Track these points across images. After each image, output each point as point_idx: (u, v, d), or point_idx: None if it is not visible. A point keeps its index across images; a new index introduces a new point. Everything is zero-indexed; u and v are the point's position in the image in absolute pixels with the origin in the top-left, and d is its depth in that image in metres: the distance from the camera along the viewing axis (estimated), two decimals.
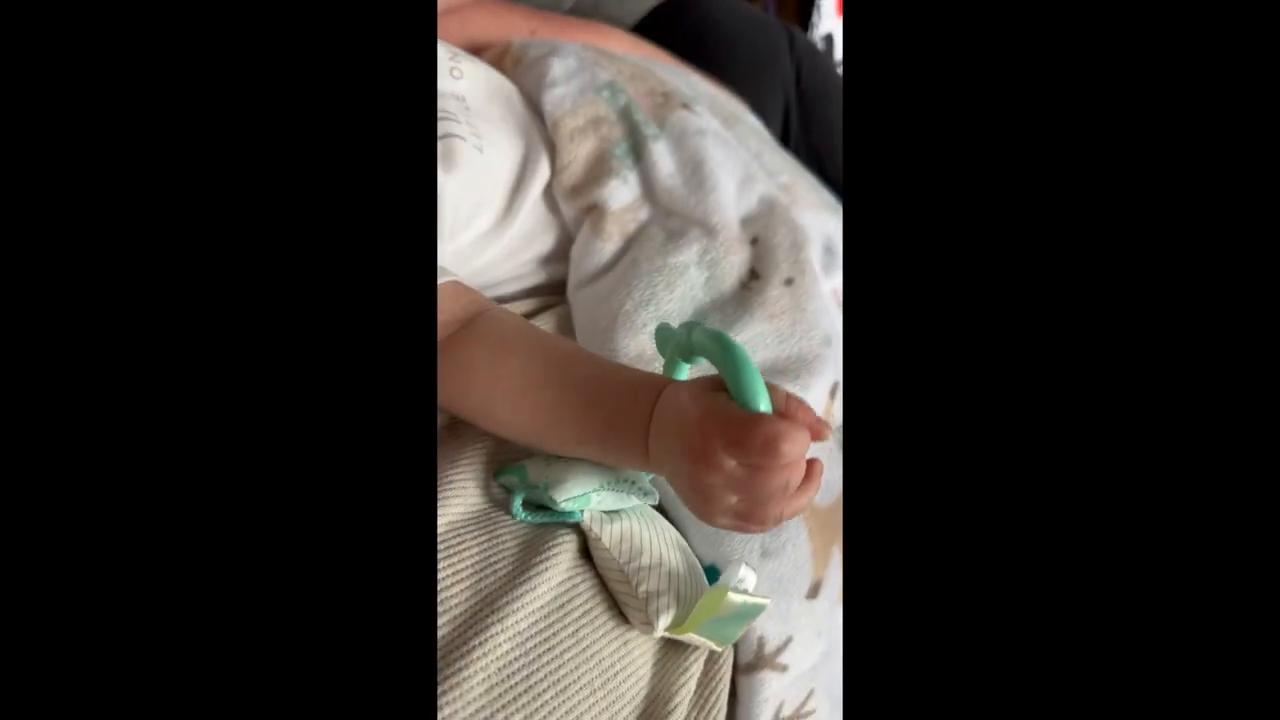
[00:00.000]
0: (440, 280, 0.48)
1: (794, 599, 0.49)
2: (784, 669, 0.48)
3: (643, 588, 0.42)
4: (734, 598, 0.40)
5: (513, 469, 0.46)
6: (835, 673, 0.52)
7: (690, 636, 0.42)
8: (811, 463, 0.37)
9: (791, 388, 0.54)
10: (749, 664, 0.48)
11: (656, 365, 0.53)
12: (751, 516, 0.37)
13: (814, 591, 0.50)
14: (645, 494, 0.47)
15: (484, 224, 0.57)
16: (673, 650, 0.45)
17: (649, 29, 0.88)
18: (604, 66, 0.68)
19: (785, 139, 0.83)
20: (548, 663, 0.39)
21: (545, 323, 0.59)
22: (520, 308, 0.60)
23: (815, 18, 1.29)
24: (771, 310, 0.58)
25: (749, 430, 0.35)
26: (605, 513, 0.45)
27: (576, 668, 0.39)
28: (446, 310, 0.47)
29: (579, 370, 0.45)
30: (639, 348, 0.54)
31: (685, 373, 0.46)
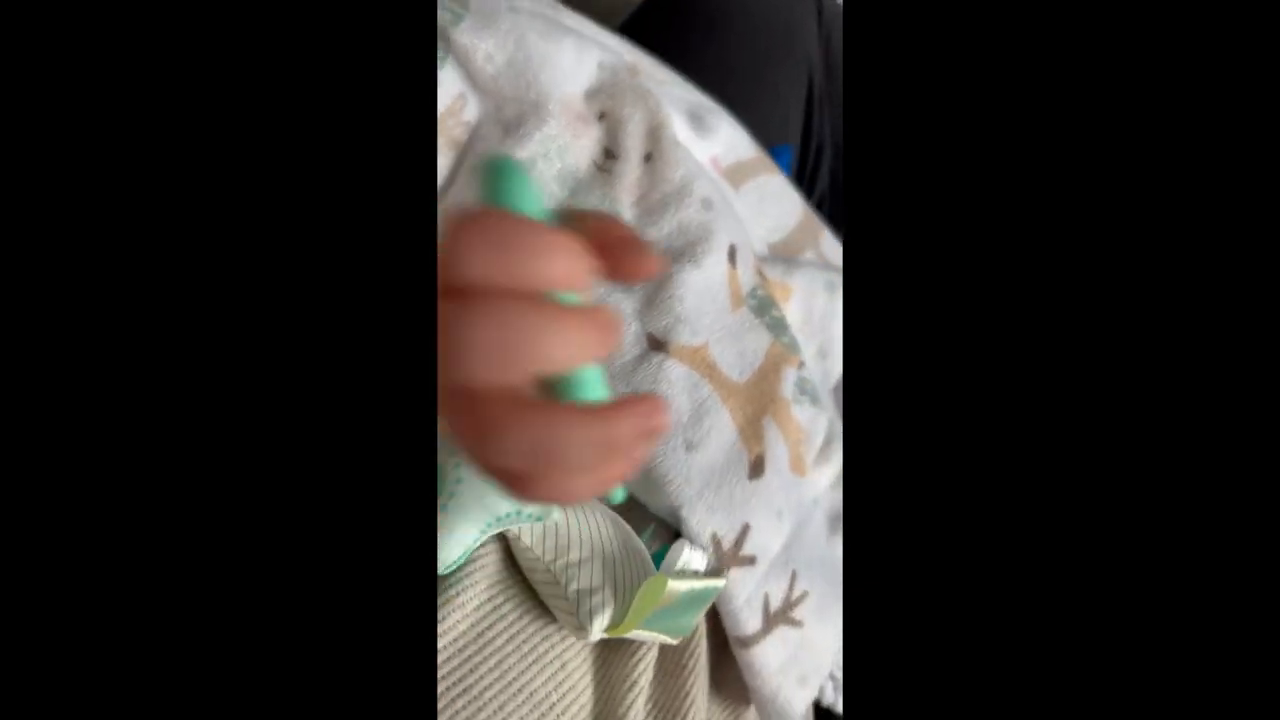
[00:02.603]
0: None
1: (735, 485, 0.46)
2: (752, 561, 0.45)
3: (573, 586, 0.37)
4: (676, 585, 0.36)
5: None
6: (815, 547, 0.49)
7: (637, 633, 0.37)
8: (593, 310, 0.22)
9: (682, 268, 0.49)
10: (711, 570, 0.44)
11: None
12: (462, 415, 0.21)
13: (756, 470, 0.47)
14: (534, 518, 0.38)
15: None
16: (615, 657, 0.40)
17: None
18: None
19: (809, 114, 0.75)
20: (464, 706, 0.33)
21: None
22: None
23: None
24: (637, 190, 0.52)
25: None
26: None
27: (502, 707, 0.34)
28: None
29: None
30: None
31: None
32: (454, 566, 0.36)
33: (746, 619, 0.44)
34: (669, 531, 0.46)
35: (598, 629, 0.36)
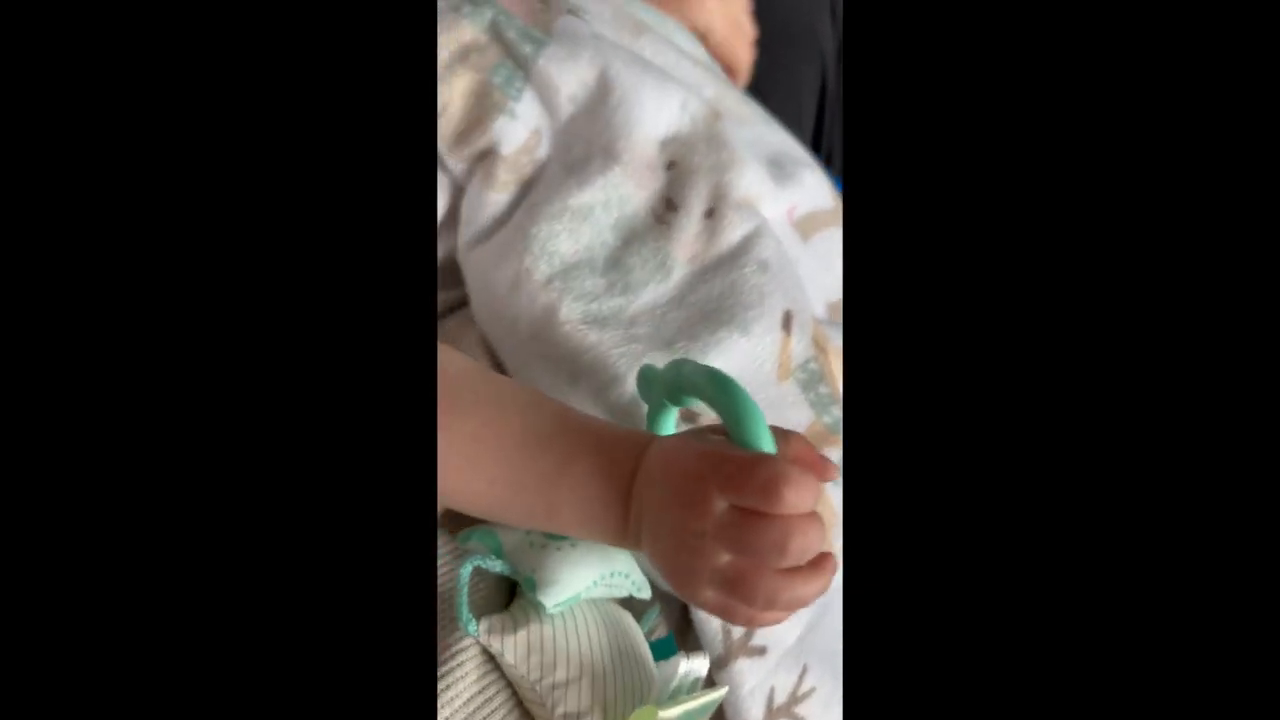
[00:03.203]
0: None
1: None
2: (762, 652, 0.44)
3: (559, 710, 0.36)
4: (667, 714, 0.34)
5: (481, 532, 0.41)
6: (833, 639, 0.48)
7: None
8: (823, 556, 0.32)
9: (730, 334, 0.47)
10: (720, 658, 0.43)
11: (569, 331, 0.47)
12: (741, 582, 0.31)
13: None
14: (637, 588, 0.42)
15: None
16: None
17: None
18: None
19: (820, 111, 0.73)
20: None
21: (457, 328, 0.52)
22: None
23: None
24: (693, 248, 0.50)
25: (748, 468, 0.31)
26: (509, 616, 0.38)
27: None
28: None
29: (545, 421, 0.38)
30: (544, 311, 0.47)
31: (673, 420, 0.40)
32: (561, 606, 0.38)
33: (749, 709, 0.44)
34: (676, 611, 0.46)
35: None
